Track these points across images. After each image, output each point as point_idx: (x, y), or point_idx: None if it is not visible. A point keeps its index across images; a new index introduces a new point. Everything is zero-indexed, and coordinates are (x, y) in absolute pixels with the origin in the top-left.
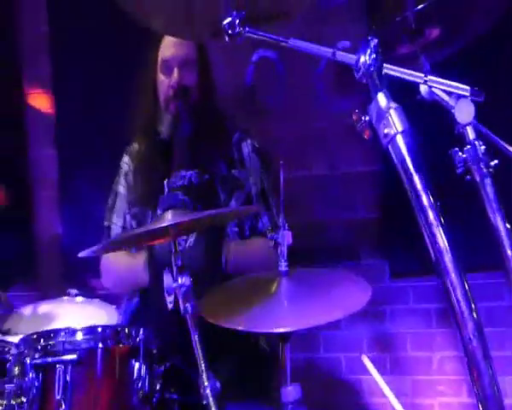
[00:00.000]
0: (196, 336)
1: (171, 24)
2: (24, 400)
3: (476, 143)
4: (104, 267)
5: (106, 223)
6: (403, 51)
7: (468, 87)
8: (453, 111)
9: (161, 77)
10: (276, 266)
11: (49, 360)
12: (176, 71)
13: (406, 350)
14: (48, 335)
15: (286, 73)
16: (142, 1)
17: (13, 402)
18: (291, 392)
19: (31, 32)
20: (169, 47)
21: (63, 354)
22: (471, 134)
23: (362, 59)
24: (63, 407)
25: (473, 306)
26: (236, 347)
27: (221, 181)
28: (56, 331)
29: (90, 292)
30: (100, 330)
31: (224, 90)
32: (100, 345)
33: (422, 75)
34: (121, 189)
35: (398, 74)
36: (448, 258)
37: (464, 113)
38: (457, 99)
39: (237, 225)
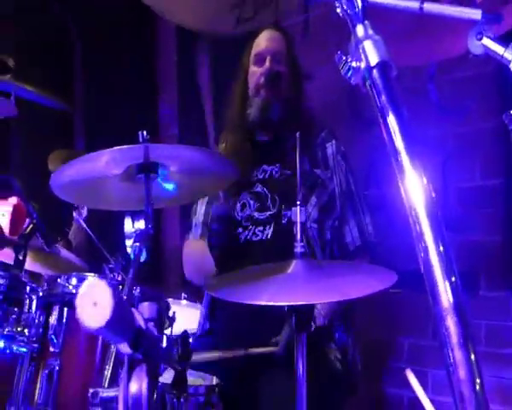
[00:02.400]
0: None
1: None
2: (26, 331)
3: None
4: (184, 260)
5: (193, 213)
6: None
7: (478, 10)
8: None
9: (253, 68)
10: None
11: (51, 299)
12: (268, 59)
13: None
14: (54, 278)
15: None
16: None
17: (14, 330)
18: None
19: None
20: (262, 42)
21: (62, 297)
22: None
23: None
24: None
25: None
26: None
27: (303, 177)
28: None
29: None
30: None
31: (325, 97)
32: None
33: (417, 3)
34: None
35: (386, 2)
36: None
37: None
38: None
39: (317, 221)
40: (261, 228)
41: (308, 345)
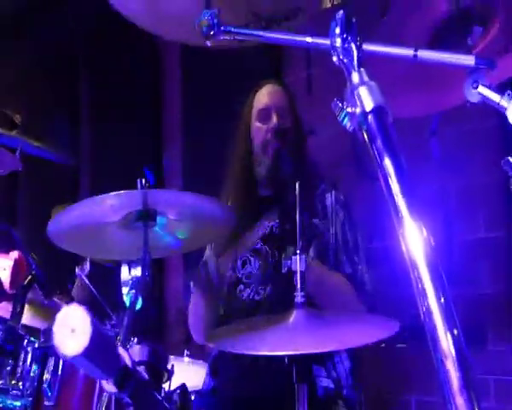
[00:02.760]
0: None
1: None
2: (20, 385)
3: None
4: (189, 321)
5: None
6: None
7: (472, 56)
8: (506, 113)
9: (258, 124)
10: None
11: (46, 350)
12: (274, 116)
13: None
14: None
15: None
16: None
17: (8, 383)
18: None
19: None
20: (265, 97)
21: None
22: None
23: (336, 40)
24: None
25: None
26: None
27: (301, 229)
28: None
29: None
30: None
31: (328, 153)
32: None
33: (412, 50)
34: None
35: (381, 50)
36: None
37: None
38: (511, 99)
39: None
40: (263, 287)
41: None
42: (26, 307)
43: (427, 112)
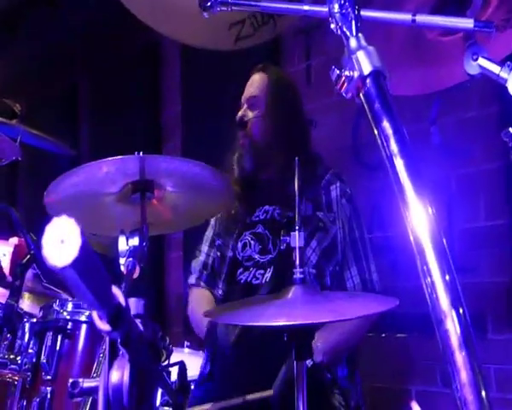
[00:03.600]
0: None
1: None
2: (18, 359)
3: None
4: (191, 319)
5: (196, 252)
6: None
7: (470, 19)
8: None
9: None
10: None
11: (44, 325)
12: (243, 108)
13: None
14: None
15: None
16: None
17: (7, 357)
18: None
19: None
20: (245, 89)
21: (55, 322)
22: None
23: (334, 6)
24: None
25: None
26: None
27: (303, 221)
28: (58, 302)
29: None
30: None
31: (329, 144)
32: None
33: (410, 15)
34: (212, 220)
35: (379, 16)
36: None
37: None
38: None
39: (315, 266)
40: (262, 271)
41: (311, 390)
42: (26, 295)
43: (426, 90)
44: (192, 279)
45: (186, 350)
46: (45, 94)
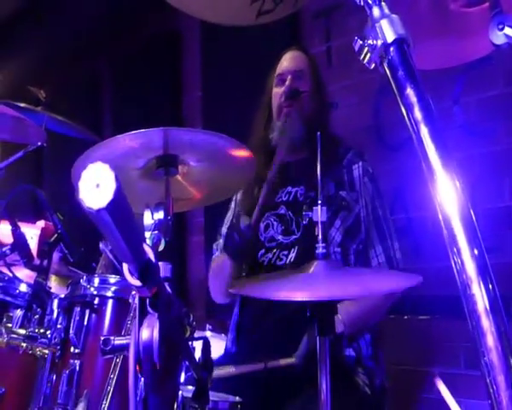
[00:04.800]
0: None
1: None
2: (48, 333)
3: None
4: (209, 278)
5: (217, 236)
6: None
7: None
8: None
9: (275, 90)
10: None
11: (72, 300)
12: (289, 79)
13: None
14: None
15: None
16: None
17: (37, 331)
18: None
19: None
20: (284, 62)
21: (83, 297)
22: None
23: None
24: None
25: None
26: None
27: (327, 200)
28: (85, 277)
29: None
30: (112, 281)
31: (350, 125)
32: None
33: None
34: (232, 203)
35: None
36: None
37: None
38: None
39: (340, 245)
40: (286, 252)
41: (335, 367)
42: (53, 277)
43: (449, 64)
44: (214, 257)
45: (208, 333)
46: (69, 81)
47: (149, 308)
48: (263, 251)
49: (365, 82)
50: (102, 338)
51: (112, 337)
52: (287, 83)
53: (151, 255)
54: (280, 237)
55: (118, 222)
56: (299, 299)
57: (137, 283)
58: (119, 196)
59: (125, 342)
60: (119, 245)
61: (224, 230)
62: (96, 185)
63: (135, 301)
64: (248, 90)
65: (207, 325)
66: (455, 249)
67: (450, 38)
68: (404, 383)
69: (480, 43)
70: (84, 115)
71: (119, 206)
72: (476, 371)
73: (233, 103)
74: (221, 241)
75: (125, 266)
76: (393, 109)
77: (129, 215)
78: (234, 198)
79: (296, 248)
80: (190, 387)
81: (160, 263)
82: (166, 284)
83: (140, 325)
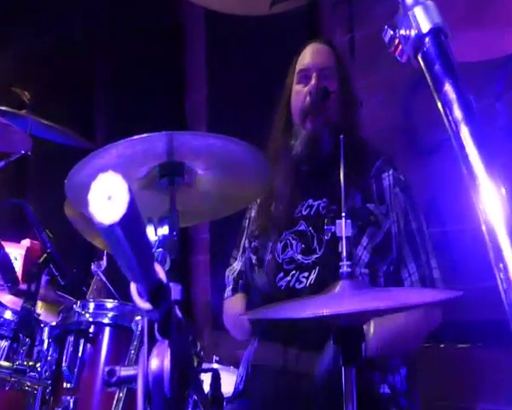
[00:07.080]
0: None
1: None
2: (38, 366)
3: None
4: (224, 321)
5: (231, 259)
6: None
7: None
8: None
9: (297, 88)
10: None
11: (65, 328)
12: (314, 76)
13: None
14: (68, 308)
15: None
16: None
17: (25, 364)
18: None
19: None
20: (307, 56)
21: (77, 325)
22: None
23: None
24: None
25: None
26: None
27: (352, 214)
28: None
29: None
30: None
31: (375, 125)
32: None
33: None
34: (245, 222)
35: None
36: None
37: None
38: None
39: (368, 266)
40: (306, 274)
41: (363, 408)
42: (39, 303)
43: (492, 55)
44: (228, 292)
45: (215, 365)
46: (57, 81)
47: (158, 335)
48: (281, 275)
49: (394, 77)
50: (107, 369)
51: (117, 367)
52: (313, 81)
53: (162, 275)
54: (299, 257)
55: (130, 238)
56: (327, 313)
57: (147, 306)
58: (132, 209)
59: (132, 372)
60: (130, 263)
61: (238, 254)
62: (107, 198)
63: (138, 328)
64: (261, 88)
65: (214, 357)
66: (501, 266)
67: (491, 27)
68: None
69: None
70: (75, 119)
71: (133, 220)
72: None
73: (242, 103)
74: (235, 266)
75: (133, 287)
76: (427, 108)
77: (142, 230)
78: (247, 216)
79: (317, 268)
80: None
81: (169, 285)
82: (177, 308)
83: (149, 353)
